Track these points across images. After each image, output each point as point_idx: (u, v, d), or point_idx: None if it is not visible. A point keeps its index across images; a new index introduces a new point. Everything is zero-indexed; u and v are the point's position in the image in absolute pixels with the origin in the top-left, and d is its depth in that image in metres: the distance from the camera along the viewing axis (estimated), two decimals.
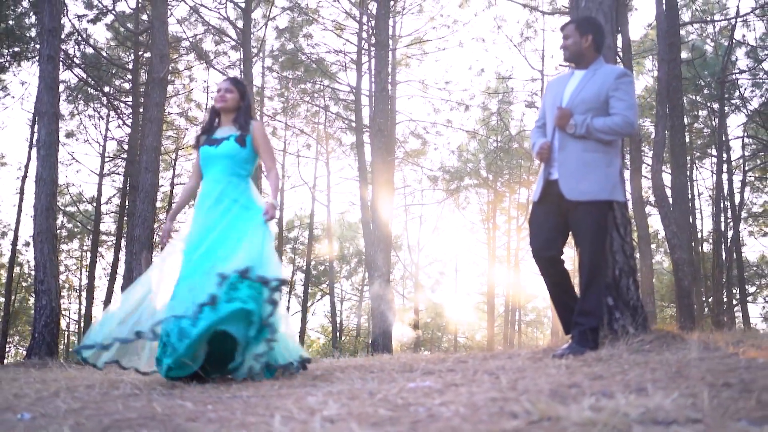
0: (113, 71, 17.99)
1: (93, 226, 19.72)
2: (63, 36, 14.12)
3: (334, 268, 26.03)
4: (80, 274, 25.59)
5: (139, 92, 16.73)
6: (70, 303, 25.74)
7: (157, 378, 3.50)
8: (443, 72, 38.06)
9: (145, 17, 16.86)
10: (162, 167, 16.99)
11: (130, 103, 17.03)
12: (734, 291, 19.04)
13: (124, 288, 12.83)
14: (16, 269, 21.64)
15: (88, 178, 45.01)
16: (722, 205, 18.53)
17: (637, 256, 11.91)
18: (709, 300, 17.51)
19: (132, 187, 15.27)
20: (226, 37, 17.37)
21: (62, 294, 19.15)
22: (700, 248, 19.45)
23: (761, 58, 17.45)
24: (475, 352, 4.99)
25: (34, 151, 15.54)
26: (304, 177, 23.84)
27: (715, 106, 18.12)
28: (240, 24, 15.86)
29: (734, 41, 16.82)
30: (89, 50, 17.17)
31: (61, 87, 12.85)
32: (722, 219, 18.50)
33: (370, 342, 14.27)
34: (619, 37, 10.36)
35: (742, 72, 17.96)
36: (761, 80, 17.85)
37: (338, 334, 24.90)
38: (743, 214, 20.52)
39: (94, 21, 17.01)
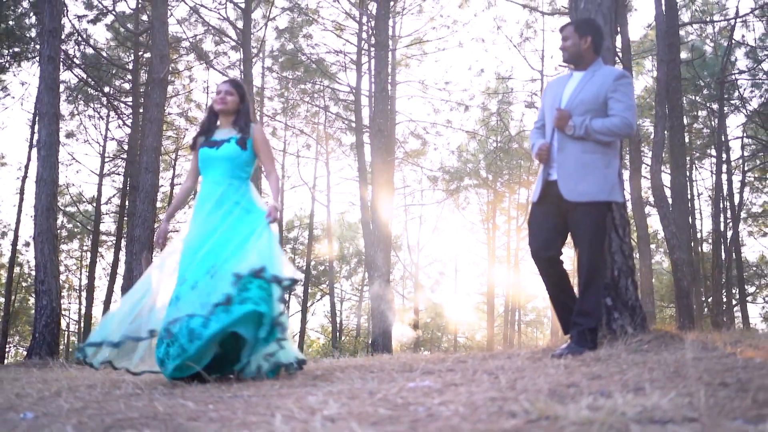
0: (113, 71, 17.99)
1: (93, 226, 19.73)
2: (63, 36, 14.13)
3: (334, 268, 26.04)
4: (80, 274, 25.60)
5: (139, 92, 16.74)
6: (70, 303, 25.76)
7: (157, 378, 3.52)
8: (443, 72, 38.14)
9: (145, 17, 16.88)
10: (162, 167, 17.00)
11: (130, 104, 17.04)
12: (734, 291, 19.05)
13: (124, 288, 12.85)
14: (16, 269, 21.65)
15: (88, 179, 45.07)
16: (722, 206, 18.55)
17: (637, 256, 11.94)
18: (709, 300, 17.52)
19: (132, 187, 15.28)
20: (226, 37, 17.38)
21: (62, 294, 19.14)
22: (699, 248, 19.47)
23: (761, 58, 17.47)
24: (475, 352, 5.00)
25: (34, 151, 15.56)
26: (303, 177, 23.88)
27: (715, 106, 18.14)
28: (240, 24, 15.87)
29: (734, 42, 16.84)
30: (89, 50, 17.18)
31: (62, 87, 12.86)
32: (722, 219, 18.51)
33: (370, 342, 14.29)
34: (619, 37, 10.38)
35: (741, 72, 17.98)
36: (761, 80, 17.87)
37: (338, 334, 24.90)
38: (743, 215, 20.54)
39: (94, 21, 17.03)
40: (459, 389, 2.25)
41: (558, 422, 1.50)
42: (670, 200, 11.50)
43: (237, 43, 16.42)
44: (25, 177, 17.66)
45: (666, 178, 14.10)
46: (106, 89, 17.80)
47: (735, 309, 19.06)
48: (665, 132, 11.06)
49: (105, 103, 18.51)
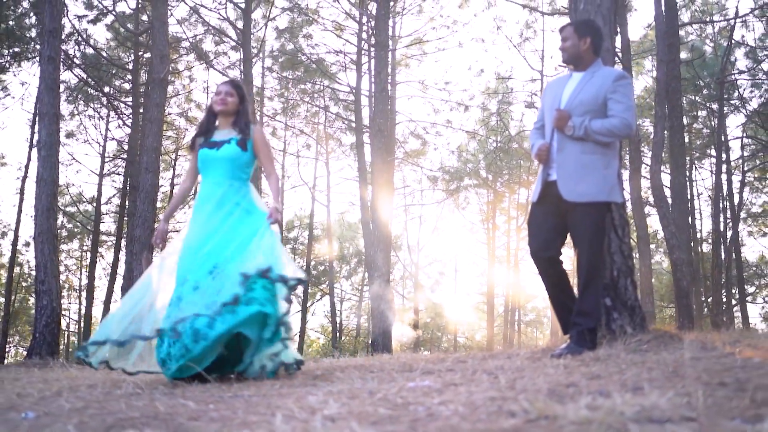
0: (113, 71, 18.00)
1: (93, 226, 19.74)
2: (63, 36, 14.14)
3: (334, 268, 26.04)
4: (80, 274, 25.61)
5: (139, 92, 16.75)
6: (70, 303, 25.77)
7: (158, 378, 3.53)
8: (443, 72, 38.20)
9: (145, 18, 16.88)
10: (162, 167, 17.01)
11: (130, 104, 17.05)
12: (733, 291, 19.07)
13: (124, 288, 12.86)
14: (16, 269, 21.66)
15: (88, 179, 45.08)
16: (721, 206, 18.56)
17: (636, 256, 11.95)
18: (709, 300, 17.54)
19: (132, 187, 15.29)
20: (226, 37, 17.39)
21: (62, 294, 19.16)
22: (699, 248, 19.48)
23: (760, 58, 17.49)
24: (475, 352, 5.01)
25: (34, 151, 15.57)
26: (303, 177, 23.89)
27: (715, 106, 18.15)
28: (240, 24, 15.88)
29: (733, 42, 16.85)
30: (89, 51, 17.19)
31: (62, 87, 12.86)
32: (721, 219, 18.53)
33: (369, 342, 14.30)
34: (619, 37, 10.39)
35: (741, 72, 17.99)
36: (760, 81, 17.89)
37: (338, 334, 24.91)
38: (742, 215, 20.56)
39: (94, 21, 17.04)
40: (459, 389, 2.26)
41: (557, 422, 1.51)
42: (669, 200, 11.51)
43: (237, 43, 16.43)
44: (25, 177, 17.68)
45: (666, 178, 14.11)
46: (106, 89, 17.80)
47: (735, 309, 19.07)
48: (665, 132, 11.07)
49: (105, 103, 18.52)
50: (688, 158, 17.12)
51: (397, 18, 17.78)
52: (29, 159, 17.75)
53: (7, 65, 17.06)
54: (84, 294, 22.97)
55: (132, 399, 2.59)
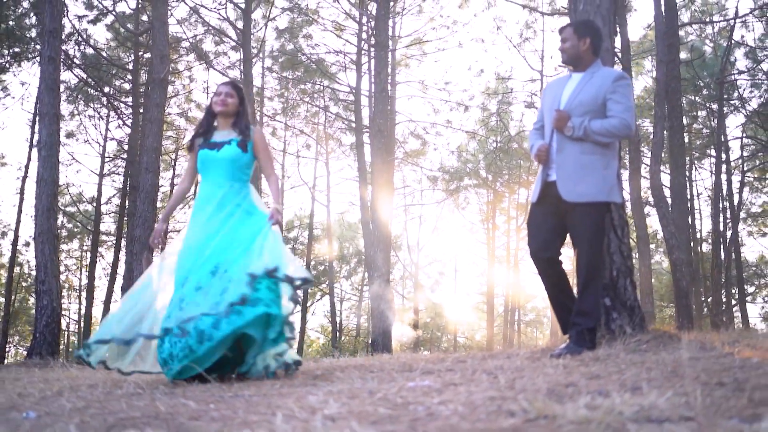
0: (113, 72, 18.01)
1: (93, 226, 19.75)
2: (63, 36, 14.14)
3: (334, 268, 26.05)
4: (80, 274, 25.63)
5: (139, 93, 16.76)
6: (70, 303, 25.78)
7: (158, 377, 3.53)
8: (443, 72, 38.20)
9: (145, 18, 16.89)
10: (162, 167, 17.02)
11: (130, 104, 17.06)
12: (733, 291, 19.08)
13: (124, 288, 12.87)
14: (16, 269, 21.67)
15: (88, 179, 45.05)
16: (721, 206, 18.57)
17: (636, 256, 11.95)
18: (708, 300, 17.54)
19: (132, 187, 15.30)
20: (226, 37, 17.40)
21: (62, 294, 19.17)
22: (699, 248, 19.49)
23: (760, 58, 17.50)
24: (474, 352, 5.02)
25: (34, 151, 15.57)
26: (303, 177, 23.87)
27: (714, 106, 18.16)
28: (240, 24, 15.88)
29: (733, 42, 16.86)
30: (89, 51, 17.20)
31: (62, 87, 12.87)
32: (721, 219, 18.54)
33: (369, 342, 14.30)
34: (618, 37, 10.40)
35: (741, 73, 18.01)
36: (760, 81, 17.90)
37: (338, 334, 24.92)
38: (742, 215, 20.57)
39: (94, 22, 17.04)
40: (458, 389, 2.27)
41: (556, 421, 1.52)
42: (669, 200, 11.52)
43: (237, 43, 16.44)
44: (25, 177, 17.70)
45: (666, 179, 14.13)
46: (106, 89, 17.81)
47: (734, 309, 19.08)
48: (665, 132, 11.08)
49: (105, 103, 18.52)
50: (687, 158, 17.14)
51: (397, 18, 17.80)
52: (29, 159, 17.77)
53: (7, 65, 17.07)
54: (84, 294, 22.98)
55: (133, 399, 2.60)
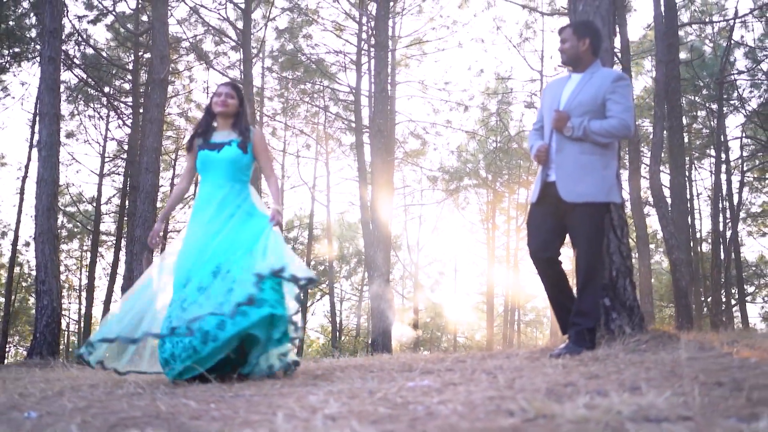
0: (113, 72, 18.02)
1: (93, 226, 19.76)
2: (63, 37, 14.15)
3: (334, 268, 26.06)
4: (80, 274, 25.64)
5: (139, 93, 16.77)
6: (70, 303, 25.80)
7: (159, 377, 3.54)
8: (443, 72, 38.23)
9: (145, 18, 16.90)
10: (162, 167, 17.04)
11: (130, 104, 17.07)
12: (733, 291, 19.10)
13: (124, 288, 12.88)
14: (16, 269, 21.68)
15: (88, 179, 45.09)
16: (721, 206, 18.58)
17: (636, 256, 11.96)
18: (708, 300, 17.56)
19: (132, 187, 15.31)
20: (226, 37, 17.41)
21: (62, 294, 19.19)
22: (699, 248, 19.51)
23: (760, 58, 17.51)
24: (474, 352, 5.03)
25: (34, 151, 15.58)
26: (303, 177, 23.88)
27: (714, 106, 18.17)
28: (240, 25, 15.89)
29: (733, 42, 16.87)
30: (89, 51, 17.21)
31: (62, 87, 12.89)
32: (721, 219, 18.55)
33: (369, 342, 14.31)
34: (618, 38, 10.41)
35: (740, 73, 18.02)
36: (760, 81, 17.91)
37: (338, 333, 24.93)
38: (742, 214, 20.59)
39: (94, 22, 17.06)
40: (458, 388, 2.28)
41: (555, 421, 1.52)
42: (669, 200, 11.53)
43: (237, 43, 16.45)
44: (25, 177, 17.71)
45: (665, 179, 14.14)
46: (106, 89, 17.82)
47: (734, 309, 19.10)
48: (664, 132, 11.09)
49: (105, 103, 18.54)
50: (687, 158, 17.14)
51: (396, 18, 17.81)
52: (29, 159, 17.79)
53: (7, 65, 17.08)
54: (84, 294, 23.00)
55: (134, 399, 2.61)
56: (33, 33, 16.48)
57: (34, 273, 18.38)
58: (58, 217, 13.14)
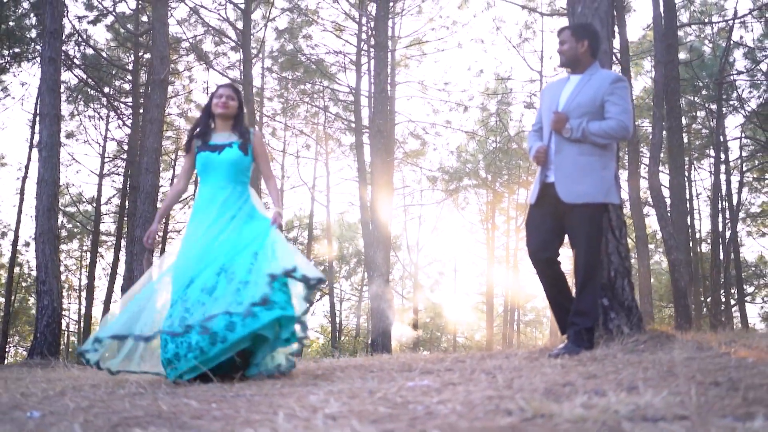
0: (113, 72, 18.03)
1: (93, 227, 19.77)
2: (63, 37, 14.17)
3: (334, 268, 26.06)
4: (80, 274, 25.64)
5: (139, 93, 16.78)
6: (69, 303, 25.80)
7: (160, 377, 3.55)
8: (442, 73, 38.21)
9: (145, 18, 16.91)
10: (162, 168, 17.05)
11: (130, 104, 17.08)
12: (732, 291, 19.11)
13: (124, 288, 12.89)
14: (16, 269, 21.69)
15: (88, 179, 45.07)
16: (720, 206, 18.60)
17: (635, 256, 11.97)
18: (708, 300, 17.57)
19: (132, 187, 15.32)
20: (225, 38, 17.42)
21: (62, 294, 19.21)
22: (698, 248, 19.52)
23: (759, 59, 17.53)
24: (474, 352, 5.04)
25: (34, 151, 15.61)
26: (303, 177, 23.87)
27: (713, 107, 18.19)
28: (240, 25, 15.90)
29: (732, 42, 16.88)
30: (89, 51, 17.22)
31: (62, 88, 12.91)
32: (720, 219, 18.56)
33: (369, 342, 14.32)
34: (617, 38, 10.42)
35: (740, 73, 18.04)
36: (759, 81, 17.93)
37: (338, 334, 24.93)
38: (741, 215, 20.60)
39: (94, 22, 17.07)
40: (457, 388, 2.29)
41: (553, 420, 1.54)
42: (668, 201, 11.55)
43: (237, 43, 16.46)
44: (25, 177, 17.73)
45: (665, 179, 14.16)
46: (106, 90, 17.82)
47: (734, 309, 19.12)
48: (663, 133, 11.10)
49: (105, 103, 18.54)
50: (686, 159, 17.15)
51: (396, 18, 17.82)
52: (29, 159, 17.80)
53: (7, 66, 17.09)
54: (84, 294, 23.00)
55: (136, 398, 2.63)
56: (33, 33, 16.50)
57: (34, 273, 18.40)
58: (58, 218, 13.17)
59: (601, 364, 2.89)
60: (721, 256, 18.04)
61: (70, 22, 16.05)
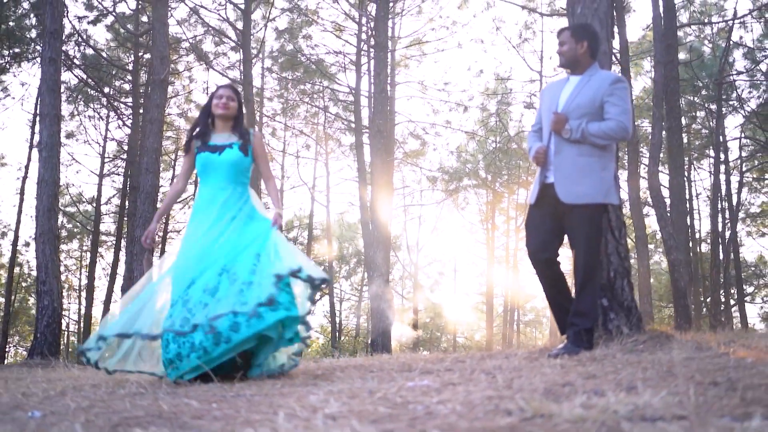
0: (113, 72, 18.03)
1: (93, 227, 19.77)
2: (63, 37, 14.17)
3: (334, 268, 26.08)
4: (80, 274, 25.65)
5: (139, 93, 16.78)
6: (69, 303, 25.80)
7: (160, 378, 3.55)
8: (442, 73, 38.22)
9: (145, 19, 16.91)
10: (162, 168, 17.05)
11: (130, 104, 17.08)
12: (732, 291, 19.11)
13: (124, 288, 12.89)
14: (16, 269, 21.69)
15: (88, 179, 45.10)
16: (720, 206, 18.60)
17: (635, 256, 11.97)
18: (707, 300, 17.58)
19: (132, 187, 15.33)
20: (225, 38, 17.43)
21: (63, 294, 19.21)
22: (698, 249, 19.53)
23: (758, 59, 17.54)
24: (473, 352, 5.05)
25: (34, 151, 15.61)
26: (303, 177, 23.88)
27: (713, 107, 18.19)
28: (240, 25, 15.91)
29: (732, 43, 16.88)
30: (89, 51, 17.22)
31: (62, 88, 12.91)
32: (720, 219, 18.57)
33: (369, 342, 14.33)
34: (617, 38, 10.42)
35: (739, 73, 18.05)
36: (759, 81, 17.94)
37: (337, 334, 24.94)
38: (741, 215, 20.61)
39: (94, 22, 17.08)
40: (457, 388, 2.30)
41: (552, 420, 1.55)
42: (668, 201, 11.55)
43: (237, 43, 16.46)
44: (25, 177, 17.74)
45: (664, 179, 14.16)
46: (106, 90, 17.83)
47: (733, 309, 19.12)
48: (663, 133, 11.11)
49: (105, 103, 18.54)
50: (686, 159, 17.16)
51: (396, 19, 17.83)
52: (29, 159, 17.82)
53: (7, 66, 17.09)
54: (84, 294, 23.01)
55: (136, 398, 2.63)
56: (33, 33, 16.51)
57: (34, 273, 18.42)
58: (59, 218, 13.17)
59: (600, 365, 2.90)
60: (721, 256, 18.04)
61: (70, 22, 16.07)
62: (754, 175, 21.08)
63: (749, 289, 22.22)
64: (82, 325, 21.54)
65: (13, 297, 21.29)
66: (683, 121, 15.76)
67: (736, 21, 16.57)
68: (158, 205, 11.38)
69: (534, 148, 3.95)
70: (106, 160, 20.23)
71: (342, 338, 26.22)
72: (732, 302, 19.13)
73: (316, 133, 21.64)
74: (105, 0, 16.87)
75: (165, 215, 4.23)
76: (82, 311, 23.14)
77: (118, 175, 20.05)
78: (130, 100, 17.36)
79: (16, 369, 6.94)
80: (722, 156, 18.63)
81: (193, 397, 2.56)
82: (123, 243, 17.56)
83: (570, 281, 4.06)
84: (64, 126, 18.01)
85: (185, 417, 2.00)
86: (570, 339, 3.72)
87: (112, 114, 18.89)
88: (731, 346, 3.42)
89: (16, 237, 18.42)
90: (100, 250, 20.73)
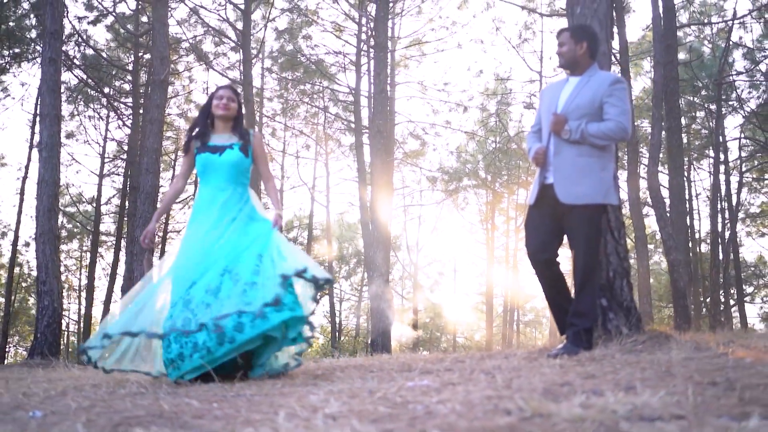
0: (113, 72, 18.04)
1: (93, 227, 19.78)
2: (63, 37, 14.17)
3: (333, 268, 26.08)
4: (80, 274, 25.65)
5: (139, 93, 16.79)
6: (69, 303, 25.80)
7: (161, 377, 3.56)
8: (442, 73, 38.24)
9: (145, 19, 16.92)
10: (162, 168, 17.05)
11: (130, 104, 17.09)
12: (732, 291, 19.13)
13: (124, 288, 12.90)
14: (16, 269, 21.69)
15: (88, 179, 45.09)
16: (720, 206, 18.61)
17: (635, 257, 11.97)
18: (707, 300, 17.59)
19: (132, 187, 15.33)
20: (225, 38, 17.43)
21: (63, 294, 19.21)
22: (698, 249, 19.54)
23: (758, 59, 17.54)
24: (473, 352, 5.05)
25: (34, 151, 15.62)
26: (303, 177, 23.89)
27: (713, 107, 18.20)
28: (240, 25, 15.91)
29: (731, 43, 16.89)
30: (90, 51, 17.23)
31: (62, 88, 12.92)
32: (720, 219, 18.58)
33: (369, 342, 14.33)
34: (617, 38, 10.43)
35: (739, 73, 18.05)
36: (758, 82, 17.95)
37: (337, 334, 24.95)
38: (740, 215, 20.62)
39: (94, 22, 17.09)
40: (456, 388, 2.30)
41: (551, 419, 1.55)
42: (667, 201, 11.56)
43: (237, 44, 16.47)
44: (25, 177, 17.75)
45: (664, 179, 14.17)
46: (107, 90, 17.83)
47: (733, 309, 19.14)
48: (662, 134, 11.11)
49: (105, 103, 18.55)
50: (686, 159, 17.16)
51: (396, 19, 17.84)
52: (29, 159, 17.83)
53: (7, 66, 17.10)
54: (84, 294, 23.01)
55: (137, 398, 2.64)
56: (33, 34, 16.52)
57: (34, 273, 18.42)
58: (59, 218, 13.18)
59: (599, 365, 2.91)
60: (721, 257, 18.05)
61: (70, 22, 16.08)
62: (754, 176, 21.09)
63: (749, 290, 22.23)
64: (82, 325, 21.54)
65: (13, 297, 21.29)
66: (683, 121, 15.76)
67: (736, 21, 16.58)
68: (158, 205, 11.39)
69: (533, 148, 3.96)
70: (106, 160, 20.24)
71: (342, 338, 26.22)
72: (731, 302, 19.14)
73: (316, 133, 21.66)
74: (105, 0, 16.90)
75: (164, 215, 4.22)
76: (82, 311, 23.15)
77: (118, 175, 20.07)
78: (130, 100, 17.36)
79: (16, 369, 6.95)
80: (722, 156, 18.64)
81: (194, 396, 2.56)
82: (123, 243, 17.56)
83: (569, 282, 4.07)
84: (64, 126, 18.01)
85: (186, 417, 2.01)
86: (569, 339, 3.72)
87: (112, 114, 18.90)
88: (730, 346, 3.42)
89: (16, 237, 18.44)
90: (100, 250, 20.75)
